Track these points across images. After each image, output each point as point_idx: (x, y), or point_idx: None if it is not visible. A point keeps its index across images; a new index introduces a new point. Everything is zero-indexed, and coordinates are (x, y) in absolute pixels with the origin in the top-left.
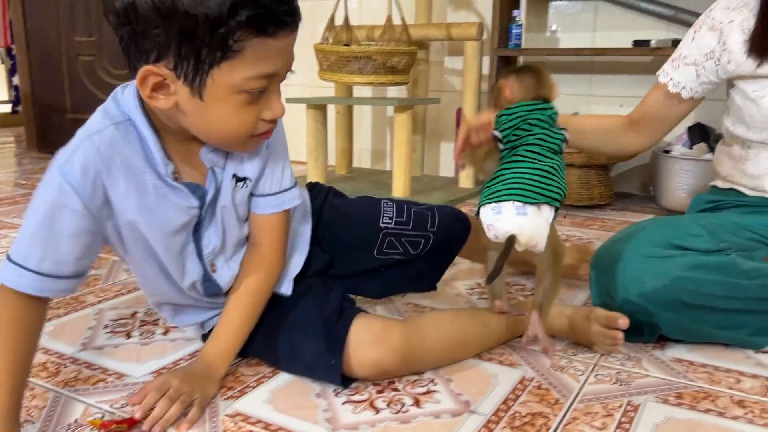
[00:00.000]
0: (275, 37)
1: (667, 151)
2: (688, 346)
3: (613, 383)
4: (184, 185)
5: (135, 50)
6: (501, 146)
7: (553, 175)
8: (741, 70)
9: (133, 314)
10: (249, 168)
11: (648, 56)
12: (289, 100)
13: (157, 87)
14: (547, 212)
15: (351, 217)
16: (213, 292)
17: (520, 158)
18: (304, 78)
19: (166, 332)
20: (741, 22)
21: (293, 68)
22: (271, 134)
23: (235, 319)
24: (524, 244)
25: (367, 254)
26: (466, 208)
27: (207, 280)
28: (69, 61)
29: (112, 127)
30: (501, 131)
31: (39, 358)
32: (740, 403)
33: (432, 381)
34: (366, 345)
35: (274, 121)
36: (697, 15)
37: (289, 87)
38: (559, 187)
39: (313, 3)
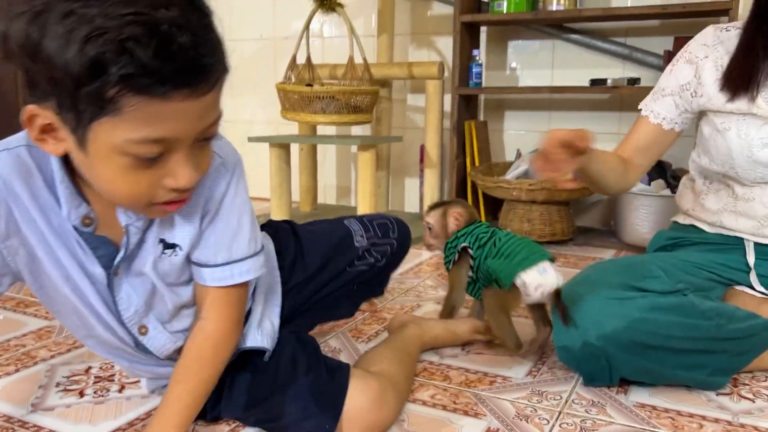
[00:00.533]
0: (168, 99)
1: None
2: (650, 389)
3: None
4: (90, 237)
5: (26, 84)
6: (472, 252)
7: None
8: (711, 105)
9: (87, 369)
10: (180, 234)
11: (605, 93)
12: (251, 139)
13: (47, 129)
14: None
15: (324, 243)
16: (149, 353)
17: (505, 236)
18: (268, 115)
19: (121, 389)
20: (715, 59)
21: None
22: (179, 204)
23: (181, 399)
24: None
25: (342, 273)
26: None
27: (137, 343)
28: None
29: (21, 149)
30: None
31: None
32: None
33: None
34: (366, 410)
35: (182, 191)
36: (652, 54)
37: (252, 125)
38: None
39: (275, 41)
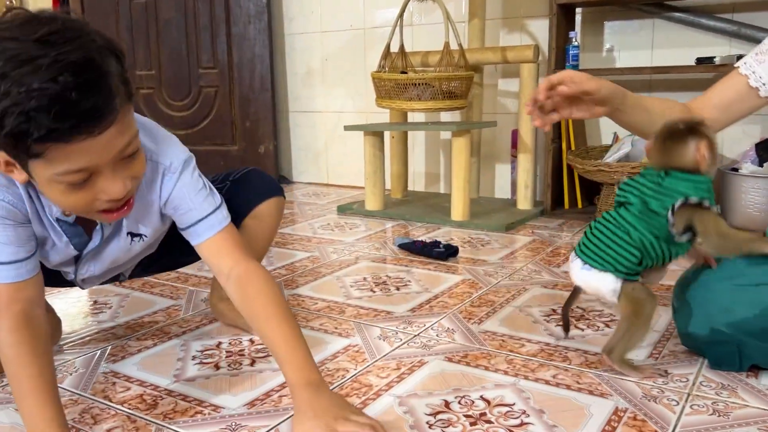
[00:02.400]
0: (73, 142)
1: (735, 169)
2: None
3: (711, 414)
4: (68, 226)
5: None
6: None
7: (616, 243)
8: None
9: (218, 345)
10: (144, 227)
11: (711, 73)
12: (347, 128)
13: (9, 164)
14: (608, 277)
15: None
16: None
17: (606, 218)
18: (358, 105)
19: (252, 363)
20: None
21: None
22: (121, 211)
23: (288, 337)
24: (592, 294)
25: None
26: (526, 230)
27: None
28: None
29: None
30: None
31: (135, 390)
32: None
33: (524, 413)
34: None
35: (118, 200)
36: (763, 30)
37: (342, 114)
38: (615, 259)
39: (364, 31)
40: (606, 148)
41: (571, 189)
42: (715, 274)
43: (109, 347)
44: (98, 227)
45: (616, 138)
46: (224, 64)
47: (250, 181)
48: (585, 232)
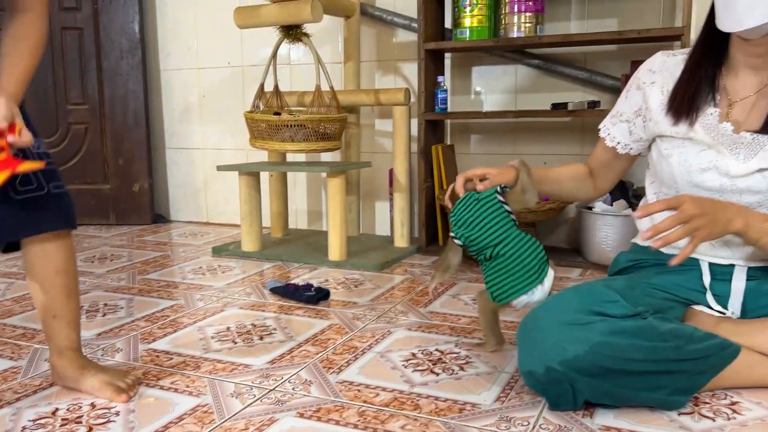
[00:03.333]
0: None
1: (589, 208)
2: (614, 411)
3: None
4: None
5: None
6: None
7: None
8: (658, 129)
9: (54, 411)
10: None
11: (566, 117)
12: (219, 168)
13: None
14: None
15: None
16: None
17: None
18: (237, 142)
19: (89, 430)
20: (661, 84)
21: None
22: None
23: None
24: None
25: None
26: (401, 269)
27: None
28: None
29: None
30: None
31: None
32: None
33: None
34: None
35: None
36: (611, 77)
37: (221, 152)
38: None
39: (242, 69)
40: None
41: (444, 226)
42: (547, 314)
43: None
44: None
45: None
46: (95, 100)
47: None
48: (520, 264)
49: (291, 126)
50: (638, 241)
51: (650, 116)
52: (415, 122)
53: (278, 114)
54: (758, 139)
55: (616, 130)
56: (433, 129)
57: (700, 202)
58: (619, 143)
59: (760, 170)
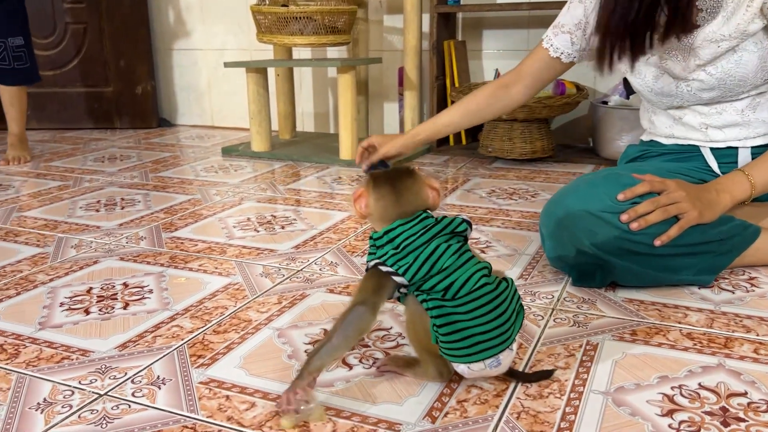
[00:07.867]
0: None
1: (604, 102)
2: (636, 287)
3: (572, 325)
4: None
5: None
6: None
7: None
8: None
9: (89, 290)
10: None
11: None
12: (227, 65)
13: None
14: None
15: None
16: None
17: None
18: (240, 42)
19: (125, 306)
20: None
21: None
22: None
23: None
24: None
25: None
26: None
27: None
28: None
29: None
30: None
31: None
32: (689, 336)
33: (400, 335)
34: None
35: None
36: None
37: (224, 52)
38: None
39: None
40: None
41: None
42: (579, 202)
43: None
44: None
45: (497, 74)
46: None
47: None
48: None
49: (300, 18)
50: (643, 136)
51: (590, 29)
52: (426, 17)
53: (286, 6)
54: (685, 40)
55: (559, 41)
56: (445, 23)
57: (685, 187)
58: (562, 53)
59: (699, 67)
